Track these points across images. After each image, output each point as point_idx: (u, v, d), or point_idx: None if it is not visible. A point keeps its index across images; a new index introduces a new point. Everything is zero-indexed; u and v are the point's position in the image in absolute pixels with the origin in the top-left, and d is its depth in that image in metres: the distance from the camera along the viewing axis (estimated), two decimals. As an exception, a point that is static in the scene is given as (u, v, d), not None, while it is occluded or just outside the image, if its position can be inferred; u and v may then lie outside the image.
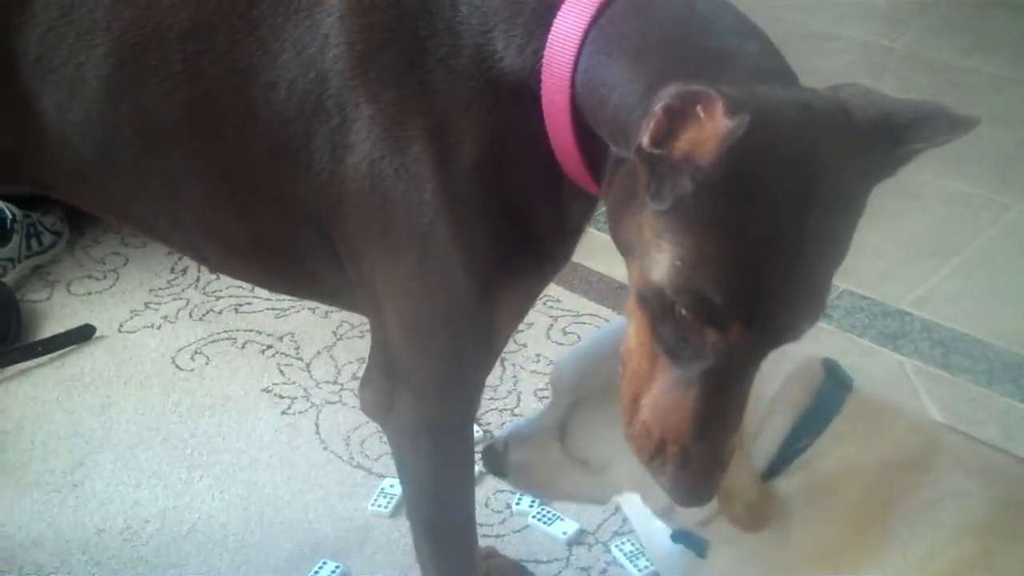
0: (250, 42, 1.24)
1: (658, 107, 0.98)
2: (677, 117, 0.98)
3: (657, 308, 1.07)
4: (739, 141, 0.94)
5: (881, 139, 1.05)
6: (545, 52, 1.15)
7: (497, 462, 1.56)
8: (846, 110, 1.04)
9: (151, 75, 1.27)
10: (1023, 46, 3.78)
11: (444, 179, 1.20)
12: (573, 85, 1.14)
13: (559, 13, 1.15)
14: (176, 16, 1.26)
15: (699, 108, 0.96)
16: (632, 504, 1.91)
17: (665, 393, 1.11)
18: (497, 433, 2.12)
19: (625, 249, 1.12)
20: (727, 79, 1.03)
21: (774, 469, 1.38)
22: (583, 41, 1.13)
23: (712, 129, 0.95)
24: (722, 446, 1.12)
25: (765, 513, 1.34)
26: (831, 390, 1.41)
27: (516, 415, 2.16)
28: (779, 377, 1.39)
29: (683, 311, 1.04)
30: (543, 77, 1.16)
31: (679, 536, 1.50)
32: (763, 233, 1.00)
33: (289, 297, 2.48)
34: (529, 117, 1.18)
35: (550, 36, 1.15)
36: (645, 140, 1.00)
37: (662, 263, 1.03)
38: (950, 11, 4.05)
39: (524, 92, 1.17)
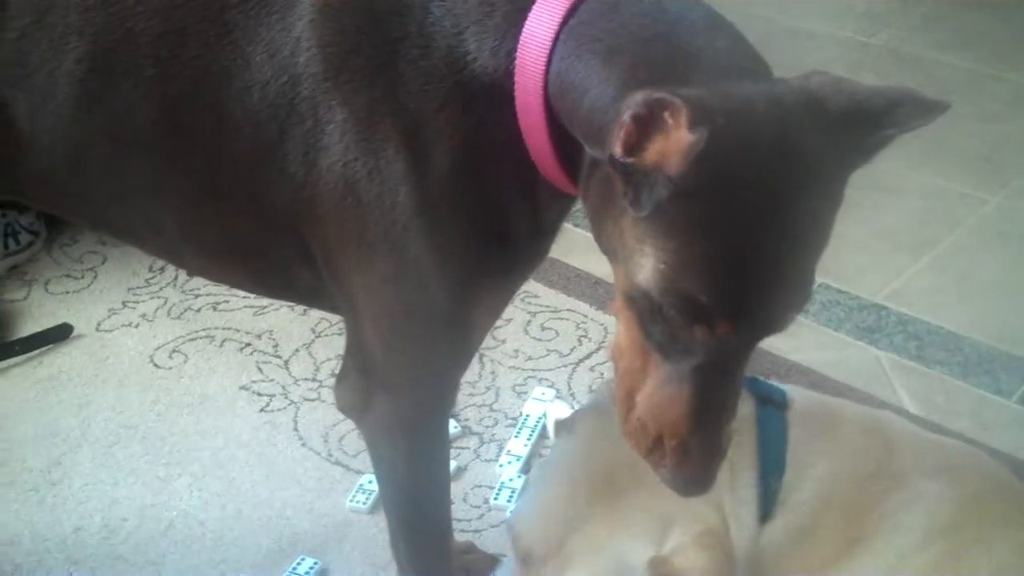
0: (222, 46, 1.24)
1: (626, 116, 0.99)
2: (646, 125, 0.99)
3: (645, 308, 1.08)
4: (709, 147, 0.95)
5: (854, 126, 1.05)
6: (517, 54, 1.15)
7: None
8: (818, 100, 1.05)
9: (123, 80, 1.27)
10: (999, 42, 3.80)
11: (418, 181, 1.20)
12: (546, 87, 1.14)
13: (530, 15, 1.15)
14: (148, 21, 1.26)
15: (667, 115, 0.97)
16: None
17: (658, 389, 1.12)
18: (475, 428, 2.12)
19: (609, 252, 1.13)
20: (697, 78, 1.04)
21: (764, 520, 1.37)
22: (554, 42, 1.13)
23: (677, 140, 0.97)
24: (719, 436, 1.13)
25: None
26: (770, 417, 1.40)
27: (494, 411, 2.16)
28: None
29: (670, 311, 1.05)
30: (516, 79, 1.16)
31: None
32: (744, 231, 1.01)
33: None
34: (503, 118, 1.18)
35: (521, 38, 1.15)
36: (617, 149, 1.01)
37: (646, 267, 1.04)
38: (927, 8, 4.06)
39: (497, 94, 1.18)
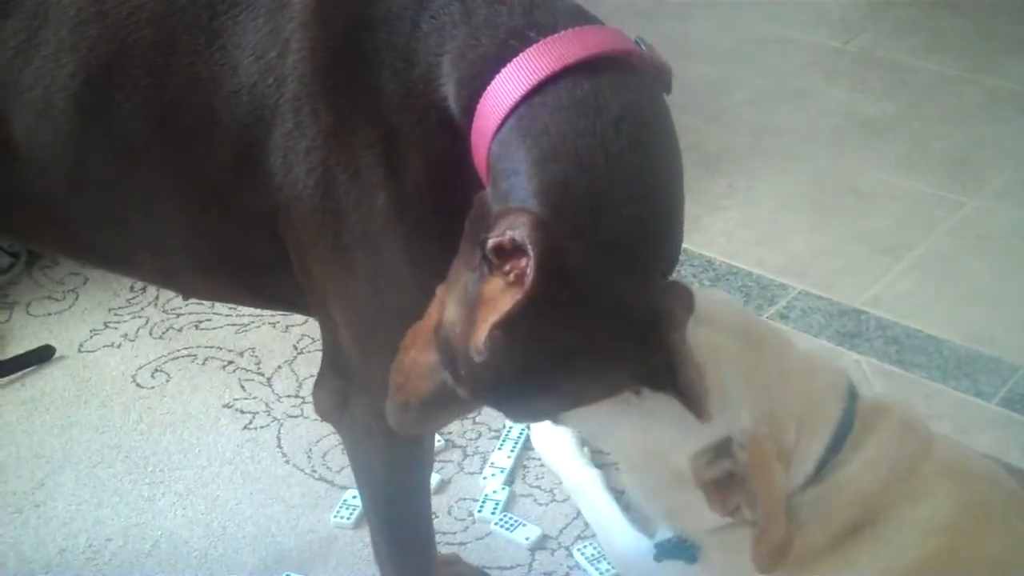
0: (212, 52, 1.26)
1: (492, 241, 1.05)
2: (505, 252, 1.06)
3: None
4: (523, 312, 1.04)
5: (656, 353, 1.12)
6: (479, 102, 1.17)
7: None
8: (647, 312, 1.10)
9: (118, 92, 1.29)
10: (973, 45, 3.82)
11: (395, 187, 1.23)
12: (492, 141, 1.16)
13: (503, 71, 1.15)
14: (141, 32, 1.28)
15: (523, 262, 1.04)
16: (591, 509, 1.93)
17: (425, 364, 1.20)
18: (459, 441, 2.13)
19: (453, 279, 1.17)
20: (584, 240, 1.07)
21: (803, 487, 1.38)
22: (513, 109, 1.14)
23: (507, 290, 1.05)
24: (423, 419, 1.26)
25: (785, 556, 1.32)
26: (850, 401, 1.42)
27: (477, 423, 2.17)
28: (806, 391, 1.39)
29: (444, 344, 1.15)
30: (473, 120, 1.18)
31: (664, 551, 1.51)
32: (521, 357, 1.09)
33: (252, 311, 2.49)
34: (464, 140, 1.20)
35: (488, 89, 1.16)
36: (489, 243, 1.06)
37: (451, 313, 1.13)
38: (901, 13, 4.08)
39: (462, 121, 1.20)
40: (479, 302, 1.07)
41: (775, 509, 1.30)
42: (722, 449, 1.32)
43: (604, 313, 1.08)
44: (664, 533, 1.53)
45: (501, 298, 1.05)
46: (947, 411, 2.20)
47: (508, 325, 1.05)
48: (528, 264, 1.03)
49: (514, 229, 1.04)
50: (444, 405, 1.20)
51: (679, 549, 1.48)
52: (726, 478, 1.32)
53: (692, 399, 1.13)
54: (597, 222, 1.07)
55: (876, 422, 1.41)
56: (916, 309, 2.52)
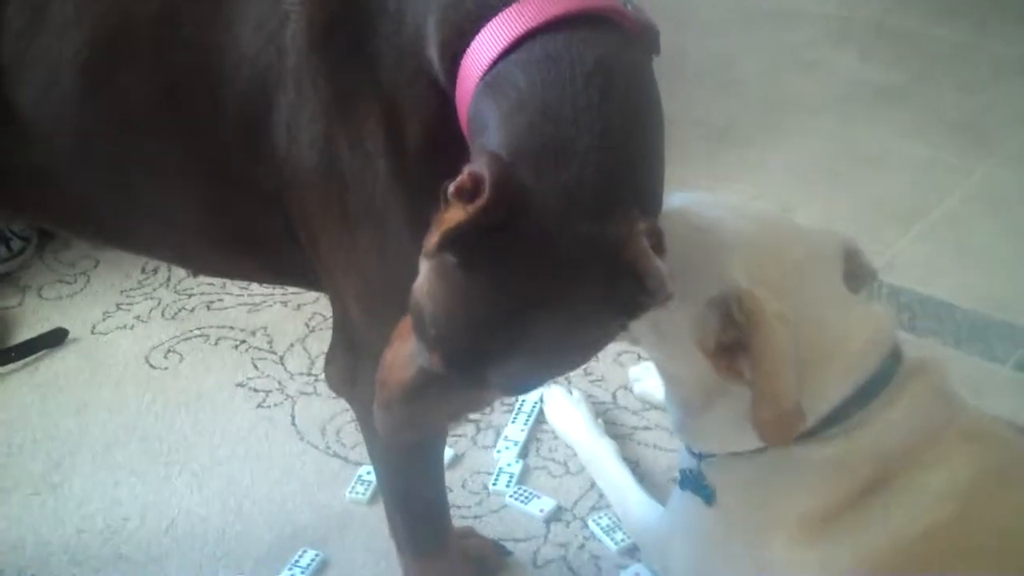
0: (215, 23, 1.27)
1: (454, 185, 1.02)
2: (466, 192, 1.01)
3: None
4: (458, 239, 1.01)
5: (627, 284, 1.06)
6: (460, 63, 1.15)
7: None
8: (613, 248, 1.05)
9: (123, 65, 1.30)
10: (983, 12, 3.79)
11: (396, 153, 1.23)
12: (471, 102, 1.15)
13: (481, 32, 1.14)
14: (145, 4, 1.29)
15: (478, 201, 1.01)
16: (606, 480, 1.94)
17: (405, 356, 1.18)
18: (471, 415, 2.13)
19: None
20: (543, 184, 1.04)
21: (814, 430, 1.35)
22: (489, 68, 1.13)
23: (454, 215, 1.01)
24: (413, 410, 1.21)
25: (791, 429, 1.29)
26: (890, 361, 1.40)
27: (490, 396, 2.17)
28: (858, 329, 1.37)
29: (416, 314, 1.11)
30: (456, 81, 1.17)
31: (687, 482, 1.51)
32: (488, 305, 1.05)
33: (264, 290, 2.50)
34: (452, 103, 1.19)
35: (467, 52, 1.15)
36: (450, 189, 1.02)
37: (421, 272, 1.11)
38: (910, -20, 4.07)
39: (447, 82, 1.19)
40: (436, 225, 1.04)
41: (776, 366, 1.25)
42: (724, 315, 1.27)
43: (569, 254, 1.04)
44: (686, 462, 1.52)
45: (458, 216, 1.02)
46: (961, 377, 2.15)
47: (462, 238, 1.01)
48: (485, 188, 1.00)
49: (472, 166, 1.02)
50: (425, 396, 1.17)
51: (699, 485, 1.48)
52: (733, 344, 1.28)
53: (654, 287, 1.05)
54: (560, 167, 1.05)
55: (910, 385, 1.39)
56: (929, 275, 2.51)
